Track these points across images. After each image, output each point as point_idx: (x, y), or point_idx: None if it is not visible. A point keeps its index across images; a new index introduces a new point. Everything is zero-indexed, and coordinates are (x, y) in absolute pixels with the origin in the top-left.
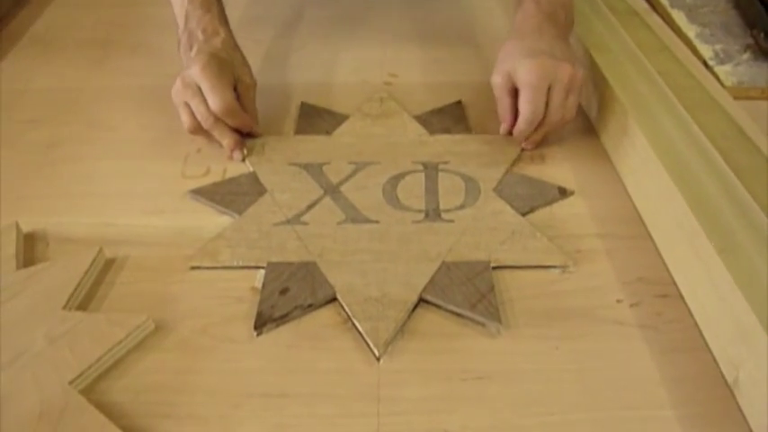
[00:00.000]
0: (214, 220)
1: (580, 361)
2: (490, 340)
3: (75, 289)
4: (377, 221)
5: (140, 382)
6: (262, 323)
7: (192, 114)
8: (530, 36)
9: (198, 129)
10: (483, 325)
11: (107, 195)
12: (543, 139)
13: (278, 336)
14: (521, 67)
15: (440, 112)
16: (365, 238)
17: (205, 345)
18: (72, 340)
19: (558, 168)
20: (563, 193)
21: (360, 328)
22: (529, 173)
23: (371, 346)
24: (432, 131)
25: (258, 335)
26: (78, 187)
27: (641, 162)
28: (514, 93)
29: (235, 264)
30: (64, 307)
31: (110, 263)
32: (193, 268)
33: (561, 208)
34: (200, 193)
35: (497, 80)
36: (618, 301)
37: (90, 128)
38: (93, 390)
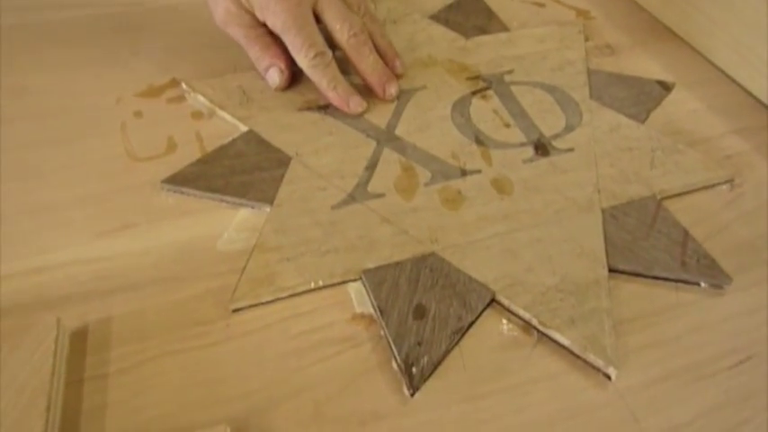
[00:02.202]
0: (231, 221)
1: None
2: (724, 299)
3: (48, 416)
4: (478, 171)
5: None
6: (420, 380)
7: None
8: None
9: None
10: (697, 284)
11: (24, 222)
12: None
13: (439, 380)
14: None
15: (458, 7)
16: (478, 198)
17: None
18: None
19: (634, 57)
20: (665, 87)
21: (563, 341)
22: (610, 68)
23: (600, 364)
24: (465, 34)
25: (412, 395)
26: None
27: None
28: None
29: (312, 286)
30: None
31: (80, 337)
32: (237, 311)
33: (673, 106)
34: (181, 180)
35: None
36: None
37: None
38: None
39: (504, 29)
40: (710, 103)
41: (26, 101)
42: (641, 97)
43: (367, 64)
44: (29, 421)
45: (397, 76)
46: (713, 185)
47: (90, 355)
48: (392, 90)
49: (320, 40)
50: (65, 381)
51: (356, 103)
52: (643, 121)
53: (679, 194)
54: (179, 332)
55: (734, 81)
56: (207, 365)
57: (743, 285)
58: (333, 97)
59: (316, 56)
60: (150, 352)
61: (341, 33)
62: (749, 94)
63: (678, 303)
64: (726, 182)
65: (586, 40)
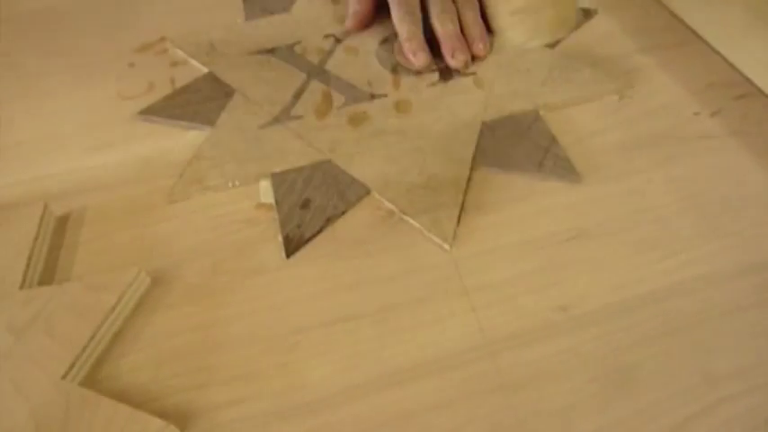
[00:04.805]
0: (182, 140)
1: (681, 188)
2: (572, 192)
3: (29, 261)
4: (385, 95)
5: (157, 353)
6: (293, 249)
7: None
8: None
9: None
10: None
11: (30, 143)
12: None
13: (314, 251)
14: None
15: None
16: (379, 117)
17: (224, 285)
18: (48, 324)
19: None
20: (587, 14)
21: (416, 224)
22: None
23: (438, 241)
24: None
25: (287, 257)
26: None
27: None
28: None
29: (230, 185)
30: (21, 287)
31: (62, 221)
32: (173, 203)
33: (588, 31)
34: (152, 111)
35: None
36: (695, 113)
37: None
38: (96, 377)
39: None
40: (629, 25)
41: (51, 57)
42: None
43: (444, 31)
44: (16, 263)
45: (475, 56)
46: (601, 98)
47: (68, 231)
48: (460, 57)
49: (415, 2)
50: (48, 246)
51: (420, 58)
52: (552, 46)
53: (563, 108)
54: (133, 216)
55: (658, 1)
56: (147, 238)
57: (593, 181)
58: (406, 47)
59: (406, 13)
60: (111, 228)
61: (434, 6)
62: (671, 13)
63: (531, 193)
64: (615, 94)
65: None
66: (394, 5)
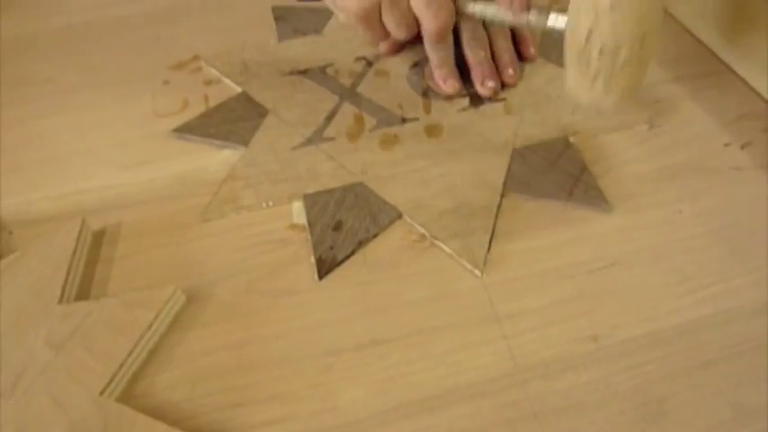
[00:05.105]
0: (216, 159)
1: (711, 219)
2: (602, 221)
3: (68, 276)
4: (416, 118)
5: (192, 371)
6: (326, 271)
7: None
8: None
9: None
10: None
11: (68, 158)
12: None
13: (346, 273)
14: None
15: None
16: (410, 141)
17: (258, 305)
18: (86, 339)
19: None
20: None
21: (447, 249)
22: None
23: (470, 267)
24: None
25: (320, 279)
26: (29, 156)
27: None
28: None
29: (264, 205)
30: (60, 301)
31: (98, 236)
32: (207, 221)
33: None
34: (186, 129)
35: None
36: (725, 145)
37: (20, 84)
38: (132, 394)
39: None
40: (658, 54)
41: (88, 73)
42: None
43: (475, 59)
44: (55, 278)
45: (505, 84)
46: (631, 127)
47: (104, 246)
48: (489, 84)
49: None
50: (85, 260)
51: (450, 85)
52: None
53: (593, 136)
54: (168, 233)
55: (688, 32)
56: (181, 255)
57: (623, 210)
58: (437, 74)
59: (438, 41)
60: (145, 245)
61: (465, 32)
62: (701, 43)
63: (562, 221)
64: (646, 124)
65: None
66: (425, 32)
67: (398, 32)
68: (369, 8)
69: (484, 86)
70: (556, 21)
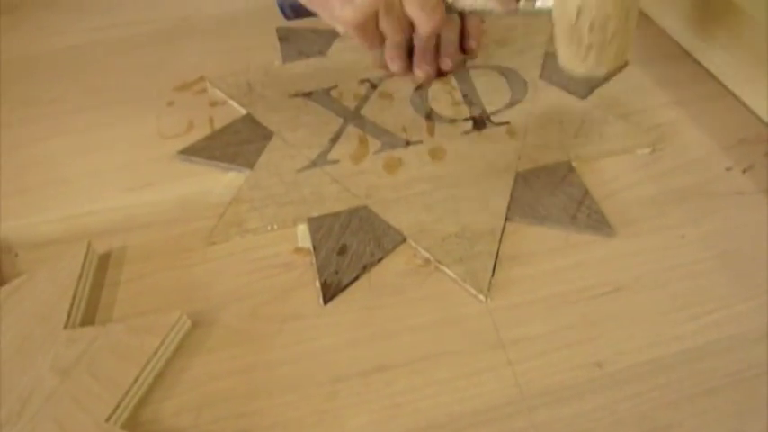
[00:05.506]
0: (221, 181)
1: (714, 244)
2: (605, 246)
3: (73, 300)
4: (420, 141)
5: (197, 397)
6: (331, 296)
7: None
8: None
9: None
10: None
11: (73, 180)
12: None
13: (350, 297)
14: None
15: None
16: (415, 164)
17: (263, 330)
18: (92, 365)
19: None
20: (619, 66)
21: (451, 274)
22: None
23: (474, 292)
24: None
25: (325, 303)
26: (33, 178)
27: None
28: None
29: (269, 228)
30: (65, 326)
31: (104, 259)
32: (213, 244)
33: (620, 83)
34: (191, 152)
35: None
36: (727, 169)
37: (24, 106)
38: (139, 420)
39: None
40: (660, 78)
41: (92, 94)
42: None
43: (420, 44)
44: (61, 303)
45: (441, 71)
46: (633, 151)
47: (109, 269)
48: (425, 68)
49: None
50: (90, 284)
51: (396, 65)
52: (584, 97)
53: (596, 160)
54: (173, 257)
55: (689, 54)
56: (186, 279)
57: (626, 235)
58: (388, 54)
59: (429, 39)
60: (151, 268)
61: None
62: (702, 67)
63: (565, 246)
64: (647, 147)
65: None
66: (383, 18)
67: (395, 36)
68: (365, 17)
69: (420, 69)
70: (544, 2)
